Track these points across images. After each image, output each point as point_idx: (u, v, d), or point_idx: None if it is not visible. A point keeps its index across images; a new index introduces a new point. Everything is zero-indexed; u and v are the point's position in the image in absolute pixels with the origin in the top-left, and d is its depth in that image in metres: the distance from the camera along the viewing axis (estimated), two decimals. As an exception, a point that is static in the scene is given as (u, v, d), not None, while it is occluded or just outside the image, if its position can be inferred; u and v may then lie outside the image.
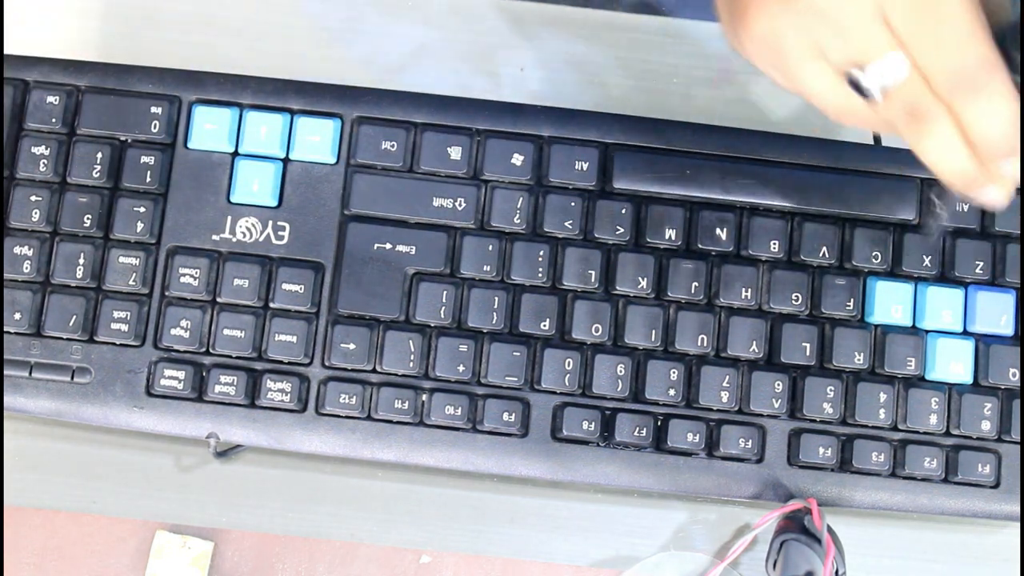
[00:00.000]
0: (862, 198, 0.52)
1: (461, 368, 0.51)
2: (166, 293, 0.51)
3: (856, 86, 0.38)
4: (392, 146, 0.52)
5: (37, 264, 0.51)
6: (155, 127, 0.52)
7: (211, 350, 0.51)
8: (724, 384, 0.51)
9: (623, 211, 0.52)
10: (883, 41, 0.37)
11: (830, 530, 0.49)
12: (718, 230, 0.52)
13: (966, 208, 0.52)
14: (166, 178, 0.52)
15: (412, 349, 0.51)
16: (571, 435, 0.51)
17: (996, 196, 0.41)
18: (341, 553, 0.53)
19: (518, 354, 0.51)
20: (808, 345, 0.51)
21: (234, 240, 0.52)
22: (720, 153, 0.52)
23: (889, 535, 0.54)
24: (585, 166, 0.52)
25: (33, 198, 0.52)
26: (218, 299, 0.51)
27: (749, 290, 0.52)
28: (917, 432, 0.51)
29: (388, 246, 0.52)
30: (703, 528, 0.53)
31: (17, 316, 0.51)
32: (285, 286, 0.51)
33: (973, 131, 0.39)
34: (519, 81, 0.57)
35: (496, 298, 0.51)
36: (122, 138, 0.52)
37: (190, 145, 0.52)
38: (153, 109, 0.52)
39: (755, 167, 0.52)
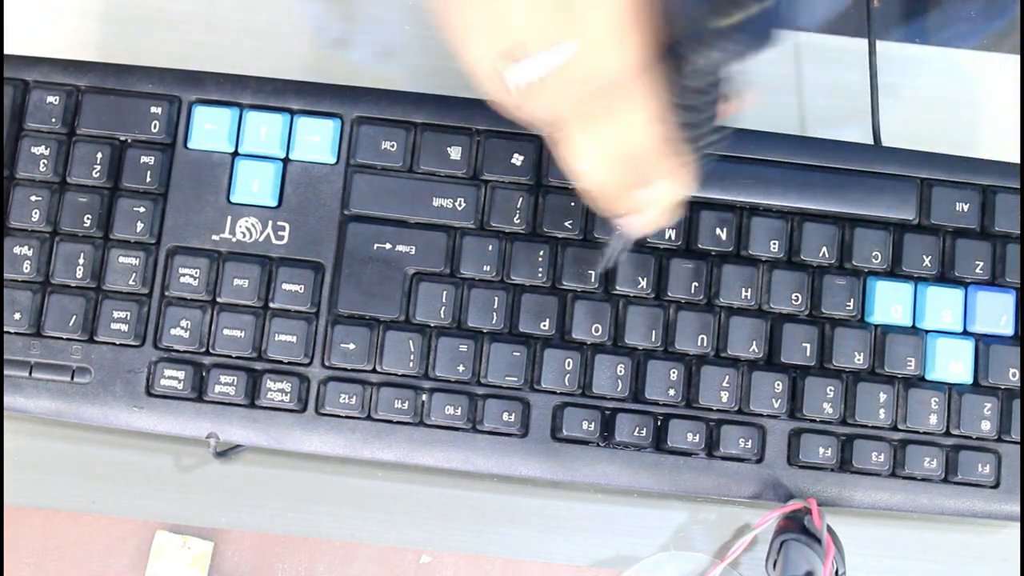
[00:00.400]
0: (862, 198, 0.52)
1: (461, 368, 0.51)
2: (166, 293, 0.51)
3: (503, 77, 0.36)
4: (392, 146, 0.52)
5: (37, 264, 0.51)
6: (155, 127, 0.52)
7: (211, 350, 0.51)
8: (724, 384, 0.51)
9: (623, 211, 0.52)
10: (532, 35, 0.35)
11: (830, 530, 0.49)
12: (718, 230, 0.52)
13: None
14: (166, 178, 0.52)
15: (412, 349, 0.51)
16: (571, 435, 0.51)
17: (635, 224, 0.39)
18: (341, 553, 0.53)
19: (518, 354, 0.51)
20: (808, 345, 0.51)
21: (234, 240, 0.52)
22: (720, 153, 0.52)
23: (889, 535, 0.54)
24: (585, 166, 0.52)
25: (33, 198, 0.52)
26: (218, 299, 0.51)
27: (749, 290, 0.52)
28: (917, 432, 0.51)
29: (388, 246, 0.52)
30: (703, 528, 0.53)
31: (17, 316, 0.51)
32: (285, 286, 0.51)
33: (603, 141, 0.37)
34: (519, 81, 0.57)
35: (496, 298, 0.51)
36: (122, 138, 0.52)
37: (190, 145, 0.52)
38: (153, 109, 0.52)
39: (755, 167, 0.52)
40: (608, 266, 0.51)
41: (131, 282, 0.51)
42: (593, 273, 0.51)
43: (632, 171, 0.38)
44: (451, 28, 0.36)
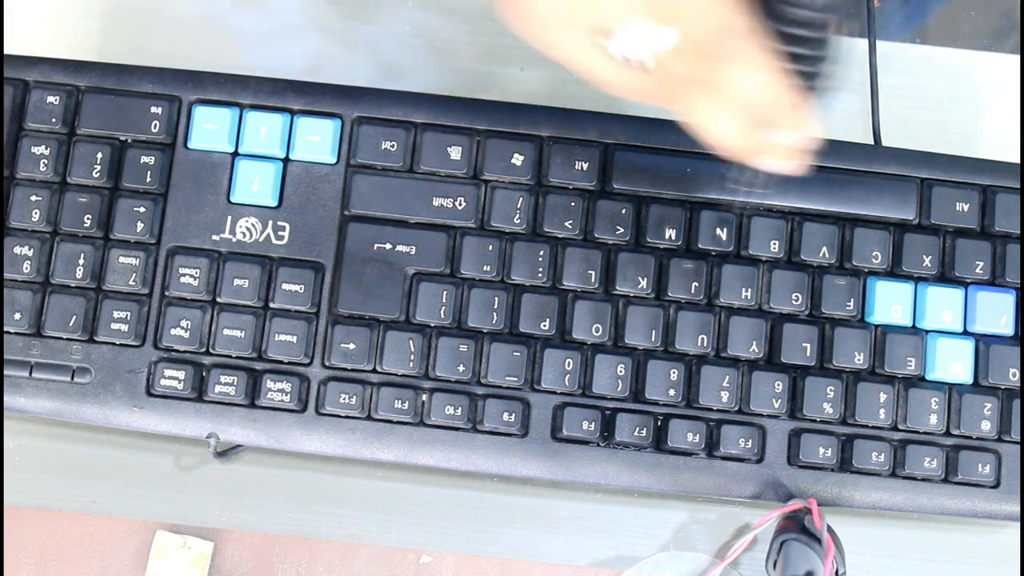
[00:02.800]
0: (862, 198, 0.52)
1: (461, 368, 0.51)
2: (166, 293, 0.51)
3: (607, 52, 0.37)
4: (392, 146, 0.52)
5: (37, 264, 0.51)
6: (155, 127, 0.52)
7: (211, 350, 0.51)
8: (724, 384, 0.51)
9: (623, 211, 0.52)
10: (629, 6, 0.35)
11: (830, 530, 0.49)
12: (718, 230, 0.52)
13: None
14: (166, 178, 0.52)
15: (412, 349, 0.51)
16: (571, 435, 0.51)
17: (774, 165, 0.40)
18: (341, 553, 0.53)
19: (518, 354, 0.51)
20: (808, 345, 0.51)
21: (234, 240, 0.52)
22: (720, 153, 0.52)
23: (889, 535, 0.54)
24: (585, 166, 0.52)
25: (33, 198, 0.52)
26: (218, 299, 0.51)
27: (749, 290, 0.52)
28: (917, 432, 0.51)
29: (388, 246, 0.52)
30: (703, 528, 0.53)
31: (17, 316, 0.51)
32: (285, 286, 0.51)
33: (728, 100, 0.38)
34: (519, 81, 0.57)
35: (496, 298, 0.51)
36: (122, 138, 0.52)
37: (190, 145, 0.52)
38: (153, 109, 0.52)
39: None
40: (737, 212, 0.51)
41: (131, 282, 0.51)
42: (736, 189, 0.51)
43: (760, 122, 0.38)
44: (533, 22, 0.37)
